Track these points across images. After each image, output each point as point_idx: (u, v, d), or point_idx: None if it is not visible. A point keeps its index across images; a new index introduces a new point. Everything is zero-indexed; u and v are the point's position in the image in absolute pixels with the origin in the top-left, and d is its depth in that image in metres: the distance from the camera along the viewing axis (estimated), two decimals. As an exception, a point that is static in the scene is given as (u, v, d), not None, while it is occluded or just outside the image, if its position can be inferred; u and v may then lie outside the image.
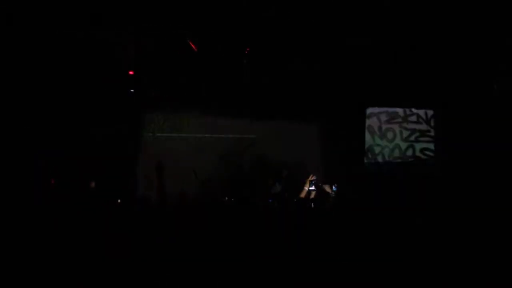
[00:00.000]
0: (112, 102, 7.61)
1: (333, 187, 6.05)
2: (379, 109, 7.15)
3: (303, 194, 6.29)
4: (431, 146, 7.15)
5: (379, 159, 7.02)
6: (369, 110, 7.16)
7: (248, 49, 6.92)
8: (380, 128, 7.13)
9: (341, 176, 7.59)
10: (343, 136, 7.15)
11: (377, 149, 7.09)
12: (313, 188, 5.98)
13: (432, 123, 7.20)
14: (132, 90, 7.69)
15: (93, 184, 6.91)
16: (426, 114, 7.21)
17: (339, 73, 6.86)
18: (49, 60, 6.46)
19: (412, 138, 7.15)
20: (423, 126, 7.19)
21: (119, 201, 5.82)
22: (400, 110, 7.18)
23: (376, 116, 7.16)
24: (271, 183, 7.62)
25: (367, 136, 7.10)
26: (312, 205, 6.04)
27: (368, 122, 7.13)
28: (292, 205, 6.12)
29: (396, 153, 7.07)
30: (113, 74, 7.14)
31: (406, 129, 7.16)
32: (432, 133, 7.19)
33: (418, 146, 7.13)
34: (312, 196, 6.33)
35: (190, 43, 6.28)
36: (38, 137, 6.90)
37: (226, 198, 8.74)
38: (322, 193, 5.94)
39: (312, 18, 5.98)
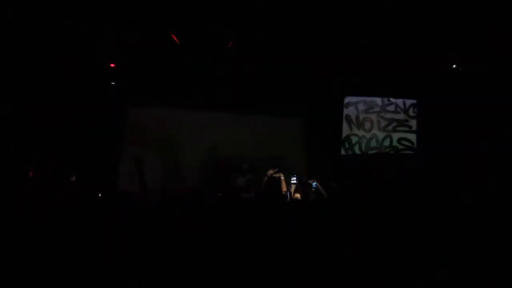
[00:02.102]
0: (93, 95, 7.42)
1: (314, 183, 5.71)
2: (357, 98, 6.98)
3: (285, 188, 6.22)
4: (408, 136, 7.07)
5: (356, 149, 6.86)
6: (347, 99, 6.96)
7: (231, 43, 6.60)
8: (357, 117, 6.96)
9: (318, 167, 7.51)
10: (321, 125, 6.98)
11: (354, 139, 6.92)
12: (294, 181, 5.86)
13: (410, 113, 7.08)
14: (114, 83, 7.52)
15: (74, 179, 6.76)
16: (404, 103, 7.09)
17: (317, 61, 6.64)
18: (29, 52, 6.23)
19: (390, 128, 7.02)
20: (401, 116, 7.08)
21: (99, 195, 5.51)
22: (378, 100, 7.03)
23: (354, 106, 6.98)
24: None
25: (345, 126, 6.91)
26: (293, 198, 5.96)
27: (346, 111, 6.93)
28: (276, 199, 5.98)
29: (374, 143, 6.93)
30: (94, 67, 6.89)
31: (383, 118, 7.02)
32: (409, 123, 7.07)
33: (396, 136, 7.03)
34: (293, 189, 6.24)
35: (173, 36, 6.03)
36: (16, 132, 6.68)
37: (211, 193, 8.62)
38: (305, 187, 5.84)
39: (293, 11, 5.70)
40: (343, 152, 6.96)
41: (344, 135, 6.97)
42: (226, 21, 5.82)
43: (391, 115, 7.04)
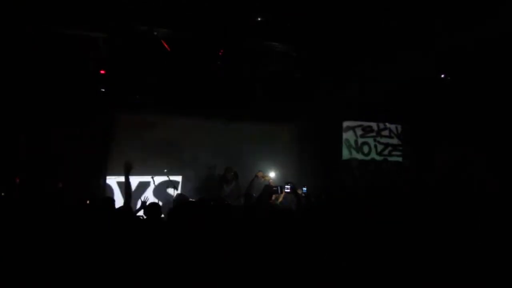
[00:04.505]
0: (82, 101, 7.30)
1: (304, 188, 6.10)
2: (355, 122, 7.12)
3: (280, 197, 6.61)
4: (401, 160, 7.24)
5: (356, 172, 6.91)
6: (346, 124, 7.08)
7: (222, 51, 6.55)
8: (356, 141, 7.07)
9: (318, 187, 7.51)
10: (321, 147, 7.07)
11: (354, 163, 6.99)
12: (288, 190, 6.07)
13: (402, 138, 7.31)
14: (103, 90, 7.32)
15: (60, 184, 6.65)
16: (396, 128, 7.32)
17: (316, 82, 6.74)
18: (20, 59, 6.16)
19: (386, 152, 7.18)
20: (395, 141, 7.28)
21: (88, 202, 5.54)
22: (373, 124, 7.23)
23: (352, 130, 7.10)
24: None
25: (344, 150, 6.98)
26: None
27: (345, 135, 7.02)
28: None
29: (372, 166, 7.01)
30: (84, 73, 6.74)
31: (380, 143, 7.18)
32: (402, 148, 7.28)
33: (391, 160, 7.17)
34: (281, 198, 6.62)
35: (163, 43, 5.91)
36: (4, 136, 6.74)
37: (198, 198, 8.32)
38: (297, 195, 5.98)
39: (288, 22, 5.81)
40: (344, 176, 6.97)
41: (344, 158, 7.02)
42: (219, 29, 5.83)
43: (386, 140, 7.23)
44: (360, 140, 7.18)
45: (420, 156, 7.11)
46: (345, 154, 7.08)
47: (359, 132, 7.21)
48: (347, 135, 7.14)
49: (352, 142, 7.13)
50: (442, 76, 6.57)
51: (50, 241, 3.19)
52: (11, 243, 3.09)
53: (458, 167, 6.54)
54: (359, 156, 7.13)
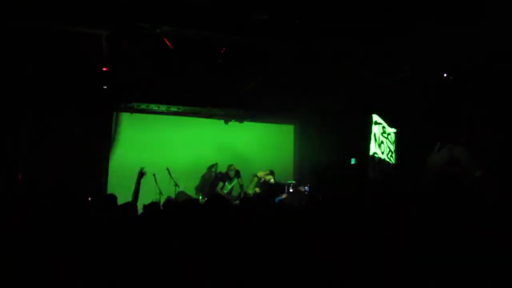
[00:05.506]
0: (84, 99, 7.57)
1: (306, 187, 6.62)
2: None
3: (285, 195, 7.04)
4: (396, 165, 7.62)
5: (378, 168, 6.89)
6: (375, 118, 7.02)
7: (224, 49, 6.65)
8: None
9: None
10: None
11: (377, 158, 6.96)
12: (291, 190, 6.69)
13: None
14: (105, 87, 7.44)
15: (61, 182, 6.72)
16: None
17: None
18: (19, 57, 6.25)
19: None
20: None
21: (89, 199, 5.83)
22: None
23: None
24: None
25: (372, 144, 6.87)
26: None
27: (373, 129, 6.95)
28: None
29: (386, 166, 7.14)
30: (86, 70, 6.81)
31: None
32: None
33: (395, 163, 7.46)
34: (285, 196, 6.95)
35: (166, 41, 6.02)
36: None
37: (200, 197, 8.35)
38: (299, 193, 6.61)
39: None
40: (369, 169, 6.81)
41: (371, 152, 6.88)
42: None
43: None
44: (380, 138, 7.19)
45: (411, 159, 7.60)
46: (372, 148, 6.93)
47: (380, 130, 7.23)
48: (375, 129, 7.04)
49: (378, 137, 7.07)
50: (445, 75, 7.23)
51: (52, 239, 3.15)
52: (12, 241, 3.06)
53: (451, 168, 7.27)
54: (380, 152, 7.10)
